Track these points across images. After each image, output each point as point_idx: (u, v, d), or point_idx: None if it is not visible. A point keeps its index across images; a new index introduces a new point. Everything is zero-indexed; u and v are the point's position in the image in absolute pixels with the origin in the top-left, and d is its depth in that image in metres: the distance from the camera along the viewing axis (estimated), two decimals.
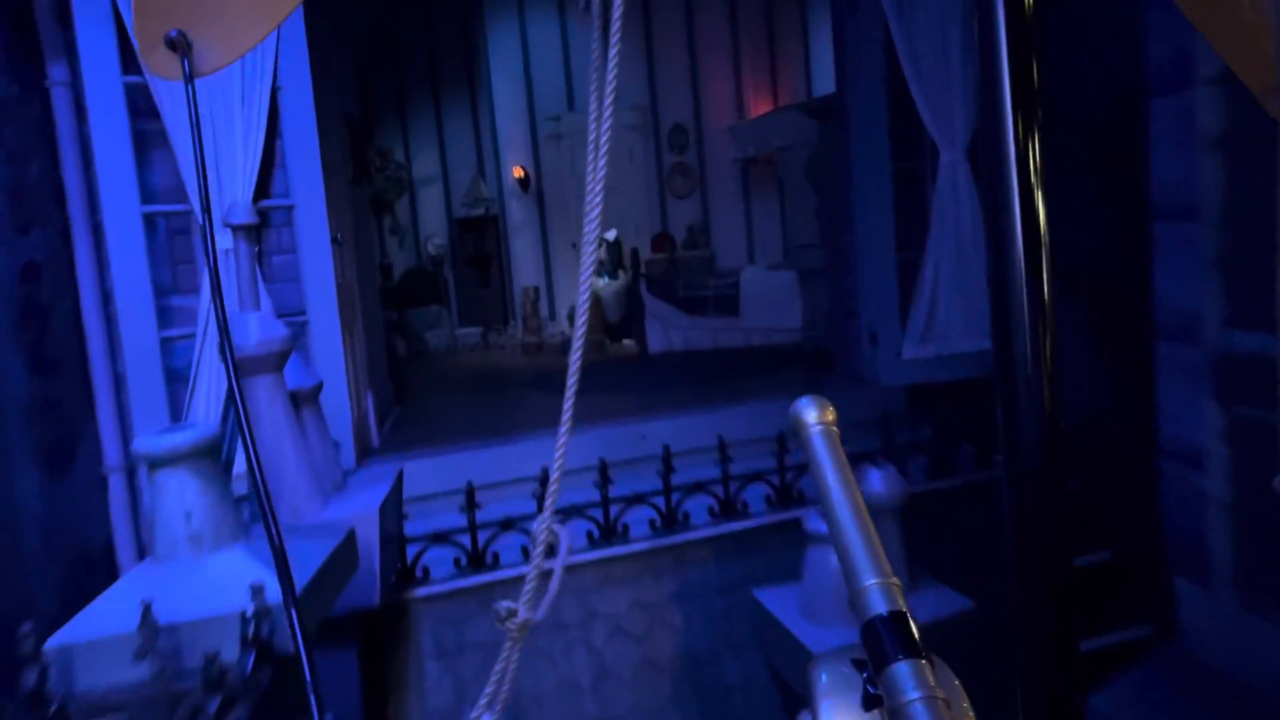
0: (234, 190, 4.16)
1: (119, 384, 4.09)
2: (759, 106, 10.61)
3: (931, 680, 0.71)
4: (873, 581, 0.78)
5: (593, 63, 1.21)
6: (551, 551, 1.30)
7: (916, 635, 0.74)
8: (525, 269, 11.29)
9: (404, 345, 7.33)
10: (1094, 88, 4.15)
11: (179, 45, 1.36)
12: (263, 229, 4.39)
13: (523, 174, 11.09)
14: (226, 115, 4.14)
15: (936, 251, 5.59)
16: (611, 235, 10.50)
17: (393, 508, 3.75)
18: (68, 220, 4.04)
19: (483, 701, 1.29)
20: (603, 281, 10.49)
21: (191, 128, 1.39)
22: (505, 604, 1.21)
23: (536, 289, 11.12)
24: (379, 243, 11.93)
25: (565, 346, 10.06)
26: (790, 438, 4.58)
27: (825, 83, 10.32)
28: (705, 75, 10.68)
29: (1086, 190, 4.27)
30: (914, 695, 0.70)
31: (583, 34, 10.97)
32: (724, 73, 10.62)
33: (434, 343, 10.93)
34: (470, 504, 4.01)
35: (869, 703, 0.78)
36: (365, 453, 5.39)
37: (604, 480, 4.21)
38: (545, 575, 1.29)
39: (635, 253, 9.97)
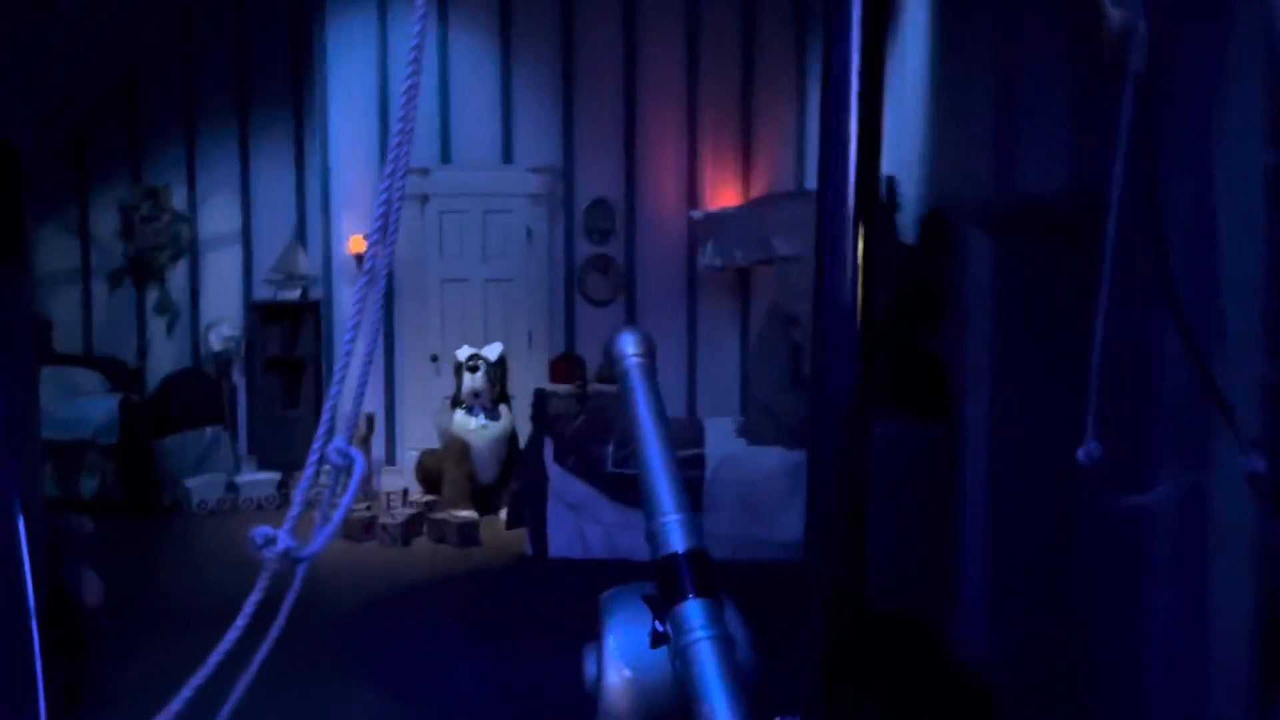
0: None
1: None
2: (721, 192, 7.40)
3: (721, 619, 0.72)
4: (674, 517, 0.77)
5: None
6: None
7: (710, 574, 0.74)
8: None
9: (98, 588, 3.65)
10: None
11: None
12: None
13: (365, 247, 7.48)
14: None
15: None
16: (494, 352, 6.99)
17: None
18: None
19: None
20: (475, 422, 6.93)
21: None
22: (264, 530, 0.87)
23: (371, 418, 7.45)
24: (137, 329, 8.00)
25: (412, 525, 6.41)
26: None
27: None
28: (646, 136, 7.44)
29: None
30: (702, 634, 0.70)
31: (469, 53, 7.55)
32: (673, 136, 7.41)
33: (200, 495, 7.01)
34: None
35: (656, 640, 0.76)
36: None
37: None
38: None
39: (541, 396, 6.47)
